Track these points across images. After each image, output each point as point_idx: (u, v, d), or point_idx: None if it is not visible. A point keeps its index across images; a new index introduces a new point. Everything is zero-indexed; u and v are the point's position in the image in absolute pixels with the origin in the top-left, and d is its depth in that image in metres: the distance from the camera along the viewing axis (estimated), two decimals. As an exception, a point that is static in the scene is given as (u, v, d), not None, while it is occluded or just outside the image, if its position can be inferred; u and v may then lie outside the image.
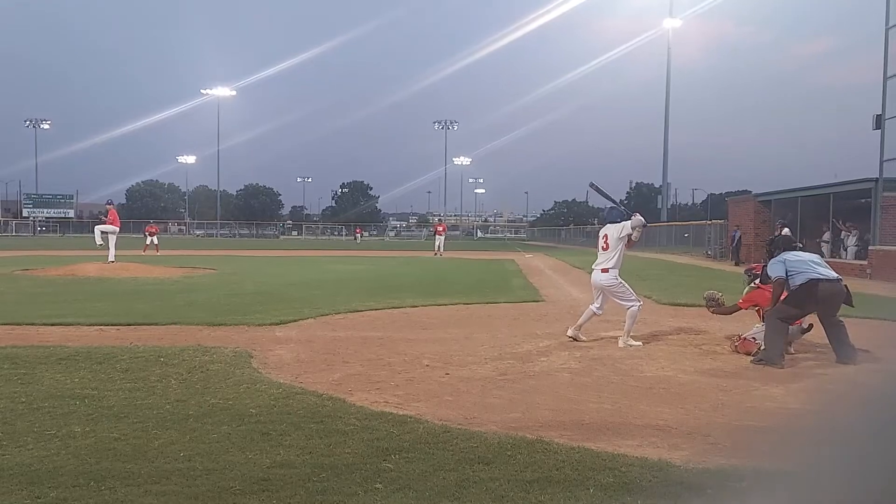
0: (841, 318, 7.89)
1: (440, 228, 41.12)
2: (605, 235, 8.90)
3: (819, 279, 7.71)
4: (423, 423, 4.96)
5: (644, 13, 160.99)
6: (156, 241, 36.15)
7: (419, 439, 4.56)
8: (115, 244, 21.81)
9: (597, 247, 9.16)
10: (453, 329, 9.96)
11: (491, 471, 3.99)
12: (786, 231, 22.84)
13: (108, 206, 23.48)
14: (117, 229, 22.05)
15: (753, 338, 8.19)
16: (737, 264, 32.43)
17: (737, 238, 34.15)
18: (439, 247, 37.97)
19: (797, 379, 6.95)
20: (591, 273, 9.18)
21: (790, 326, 8.05)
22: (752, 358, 7.78)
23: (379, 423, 4.95)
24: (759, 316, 8.44)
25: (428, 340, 8.89)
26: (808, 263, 7.88)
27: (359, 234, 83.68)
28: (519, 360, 7.64)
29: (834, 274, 7.92)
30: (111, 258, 21.23)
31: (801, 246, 8.32)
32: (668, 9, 60.48)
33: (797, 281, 7.74)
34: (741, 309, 8.74)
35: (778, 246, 8.41)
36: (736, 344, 8.35)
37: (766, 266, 8.33)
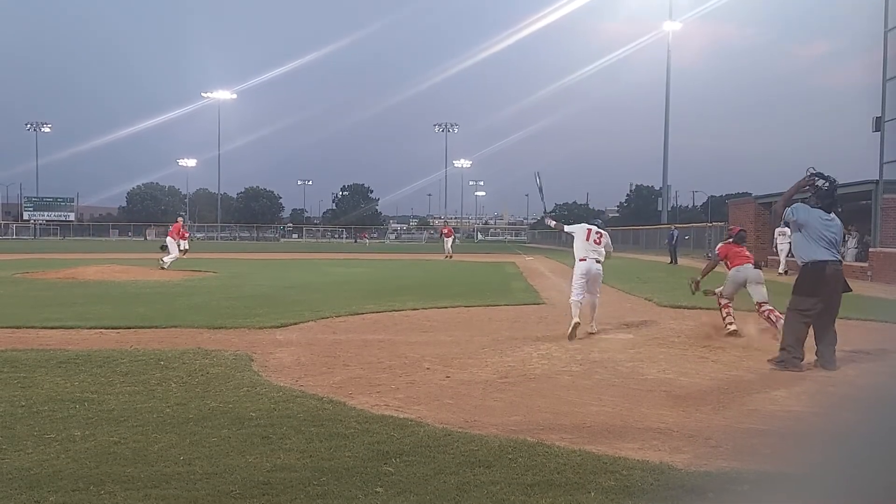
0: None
1: (445, 231, 40.33)
2: (601, 234, 9.86)
3: (826, 261, 7.43)
4: (423, 427, 4.94)
5: (644, 16, 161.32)
6: (186, 246, 32.98)
7: (420, 442, 4.55)
8: (173, 253, 23.33)
9: (584, 246, 9.82)
10: (454, 332, 9.95)
11: (492, 474, 3.98)
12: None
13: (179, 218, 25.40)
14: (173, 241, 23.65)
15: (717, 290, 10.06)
16: (672, 262, 32.53)
17: (675, 237, 34.30)
18: (449, 250, 37.42)
19: (799, 381, 6.93)
20: (581, 263, 9.71)
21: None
22: (770, 363, 7.49)
23: (379, 426, 4.93)
24: (727, 267, 10.05)
25: (428, 343, 8.87)
26: (827, 235, 7.46)
27: (366, 239, 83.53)
28: (519, 363, 7.63)
29: (838, 255, 7.62)
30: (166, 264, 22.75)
31: (840, 210, 7.83)
32: (668, 11, 60.63)
33: (803, 254, 7.53)
34: (718, 258, 10.32)
35: (820, 197, 7.69)
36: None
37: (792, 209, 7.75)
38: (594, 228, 9.95)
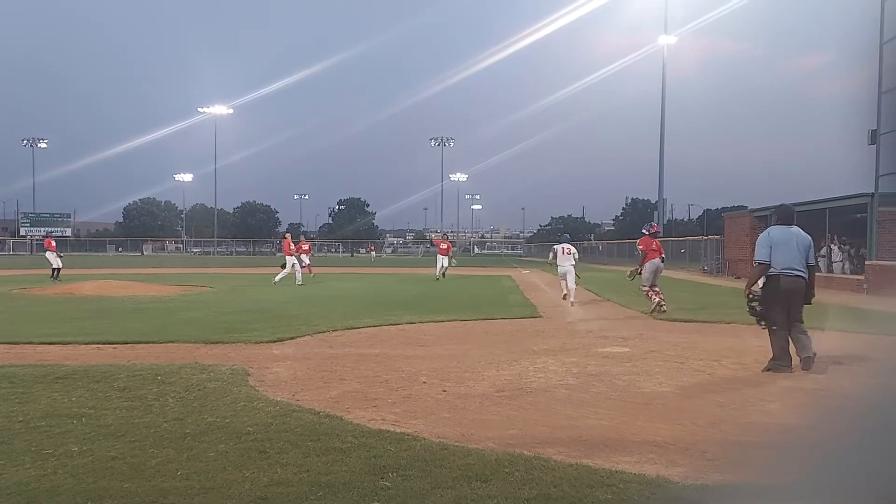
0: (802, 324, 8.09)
1: (444, 246, 29.11)
2: (570, 248, 17.10)
3: (779, 274, 7.95)
4: (420, 441, 4.95)
5: (640, 30, 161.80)
6: (307, 261, 28.03)
7: (417, 457, 4.56)
8: (291, 267, 24.39)
9: (563, 257, 17.08)
10: (450, 346, 9.96)
11: (488, 488, 3.99)
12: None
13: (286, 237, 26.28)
14: (291, 258, 24.68)
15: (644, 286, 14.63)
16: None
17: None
18: (443, 271, 28.78)
19: (794, 394, 6.96)
20: (560, 267, 17.03)
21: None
22: (763, 368, 7.99)
23: (376, 440, 4.94)
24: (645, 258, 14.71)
25: (425, 357, 8.88)
26: (787, 253, 8.00)
27: (372, 252, 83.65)
28: (516, 377, 7.64)
29: (799, 269, 8.03)
30: (278, 278, 24.06)
31: (796, 227, 8.41)
32: (663, 25, 60.91)
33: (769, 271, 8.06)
34: (641, 248, 14.98)
35: (777, 213, 8.55)
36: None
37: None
38: (564, 246, 17.13)
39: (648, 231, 15.16)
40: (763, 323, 8.22)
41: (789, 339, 8.01)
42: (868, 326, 11.17)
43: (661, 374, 7.86)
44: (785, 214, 8.41)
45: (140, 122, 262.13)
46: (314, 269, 27.60)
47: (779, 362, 7.93)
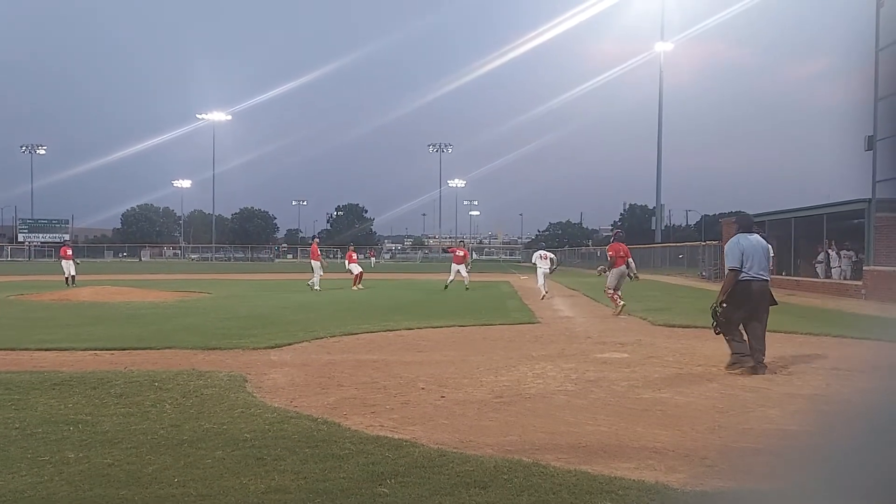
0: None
1: (460, 254, 26.52)
2: (546, 254, 21.08)
3: (752, 280, 8.32)
4: (418, 447, 4.93)
5: (639, 36, 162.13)
6: (359, 269, 27.78)
7: (415, 463, 4.54)
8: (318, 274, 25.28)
9: (541, 262, 20.91)
10: (448, 351, 9.94)
11: (487, 495, 3.97)
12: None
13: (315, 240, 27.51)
14: (317, 262, 25.64)
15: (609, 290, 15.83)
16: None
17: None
18: (466, 281, 25.76)
19: (793, 401, 6.95)
20: (539, 269, 20.82)
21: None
22: (728, 370, 8.25)
23: (374, 447, 4.92)
24: (616, 263, 15.82)
25: (423, 363, 8.87)
26: (756, 259, 8.37)
27: (372, 258, 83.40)
28: (514, 383, 7.62)
29: (766, 274, 8.44)
30: (316, 286, 24.88)
31: (758, 232, 9.00)
32: (660, 31, 61.22)
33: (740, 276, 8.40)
34: (611, 255, 16.07)
35: (738, 222, 9.06)
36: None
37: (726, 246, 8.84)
38: (541, 252, 21.15)
39: (615, 237, 17.00)
40: (719, 330, 8.51)
41: (745, 333, 8.38)
42: (866, 332, 11.18)
43: (660, 380, 7.84)
44: (746, 223, 8.94)
45: (138, 127, 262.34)
46: (331, 275, 27.80)
47: (740, 355, 8.22)
